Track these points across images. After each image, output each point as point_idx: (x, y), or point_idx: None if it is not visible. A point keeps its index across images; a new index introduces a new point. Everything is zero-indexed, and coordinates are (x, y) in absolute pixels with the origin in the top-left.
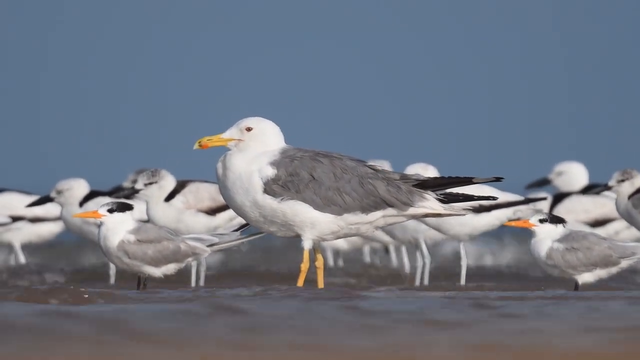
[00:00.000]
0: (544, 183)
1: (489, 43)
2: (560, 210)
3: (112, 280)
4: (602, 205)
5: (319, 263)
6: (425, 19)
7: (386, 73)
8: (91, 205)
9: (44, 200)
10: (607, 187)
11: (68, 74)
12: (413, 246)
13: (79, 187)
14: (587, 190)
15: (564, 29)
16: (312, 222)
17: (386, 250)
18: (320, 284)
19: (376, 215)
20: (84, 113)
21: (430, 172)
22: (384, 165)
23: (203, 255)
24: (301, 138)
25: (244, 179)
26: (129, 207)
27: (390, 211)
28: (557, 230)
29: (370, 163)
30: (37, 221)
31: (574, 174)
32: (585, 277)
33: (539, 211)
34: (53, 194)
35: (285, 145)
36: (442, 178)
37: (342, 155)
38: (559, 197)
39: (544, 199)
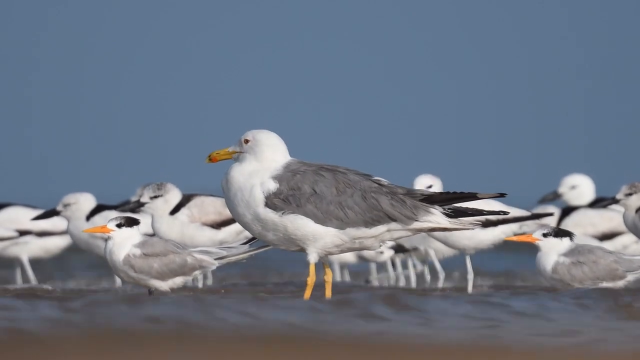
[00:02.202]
0: (555, 197)
1: (496, 52)
2: (568, 224)
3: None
4: (610, 219)
5: (328, 277)
6: (434, 28)
7: (395, 85)
8: (98, 219)
9: (50, 213)
10: (615, 201)
11: (65, 76)
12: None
13: (86, 201)
14: (595, 203)
15: (568, 43)
16: (314, 236)
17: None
18: (328, 294)
19: (380, 230)
20: (82, 117)
21: (437, 183)
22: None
23: (210, 268)
24: (306, 145)
25: (245, 192)
26: (137, 222)
27: (394, 225)
28: (563, 244)
29: (376, 178)
30: (44, 235)
31: (584, 187)
32: None
33: (544, 226)
34: (59, 208)
35: (290, 158)
36: (447, 193)
37: (347, 169)
38: (567, 211)
39: (551, 214)
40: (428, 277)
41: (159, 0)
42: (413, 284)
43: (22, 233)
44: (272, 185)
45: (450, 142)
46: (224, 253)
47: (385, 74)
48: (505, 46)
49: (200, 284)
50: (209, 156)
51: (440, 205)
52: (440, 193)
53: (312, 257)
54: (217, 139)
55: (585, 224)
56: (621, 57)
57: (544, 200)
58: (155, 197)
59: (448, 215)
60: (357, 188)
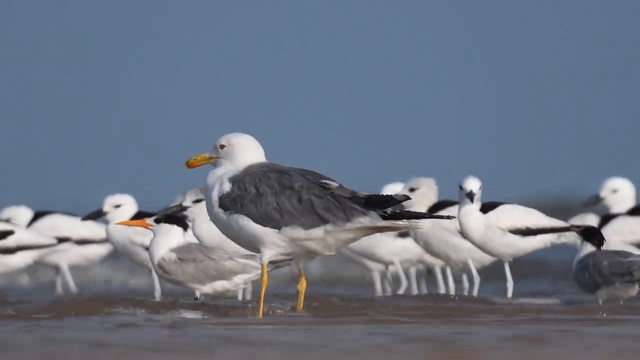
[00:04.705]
0: (596, 201)
1: (497, 53)
2: (607, 232)
3: (158, 299)
4: None
5: (301, 286)
6: (434, 28)
7: (395, 85)
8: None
9: (97, 214)
10: None
11: (65, 76)
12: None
13: (130, 204)
14: (635, 211)
15: (568, 44)
16: (255, 236)
17: (429, 272)
18: (300, 306)
19: (317, 233)
20: (82, 117)
21: (431, 185)
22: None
23: (256, 273)
24: (307, 145)
25: (208, 194)
26: (179, 222)
27: (330, 227)
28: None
29: (325, 180)
30: (83, 243)
31: (625, 191)
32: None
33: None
34: (107, 208)
35: (258, 161)
36: (382, 196)
37: (301, 171)
38: (606, 219)
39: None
40: (466, 284)
41: (159, 0)
42: (452, 291)
43: (62, 240)
44: (227, 187)
45: (449, 143)
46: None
47: (385, 74)
48: (506, 47)
49: (240, 297)
50: (187, 162)
51: (380, 207)
52: (378, 195)
53: (265, 257)
54: (217, 139)
55: (625, 232)
56: (622, 57)
57: (587, 205)
58: (198, 201)
59: (384, 218)
60: (295, 189)
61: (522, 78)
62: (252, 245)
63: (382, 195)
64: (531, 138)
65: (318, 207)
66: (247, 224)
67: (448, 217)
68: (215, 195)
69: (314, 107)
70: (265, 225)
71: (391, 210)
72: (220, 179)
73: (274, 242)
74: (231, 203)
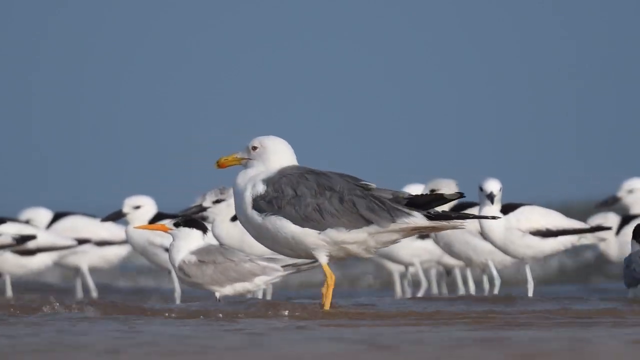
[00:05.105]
0: (613, 202)
1: (497, 53)
2: (627, 232)
3: (178, 301)
4: None
5: (330, 284)
6: (435, 29)
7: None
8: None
9: (117, 215)
10: None
11: (65, 76)
12: (481, 269)
13: (150, 206)
14: None
15: (569, 44)
16: (293, 237)
17: (448, 273)
18: (327, 304)
19: (360, 233)
20: (82, 118)
21: (452, 187)
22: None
23: (276, 275)
24: (308, 147)
25: (240, 196)
26: (199, 225)
27: (373, 228)
28: None
29: (364, 182)
30: (103, 244)
31: None
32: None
33: (602, 239)
34: (126, 209)
35: (290, 164)
36: (426, 195)
37: (336, 173)
38: (627, 219)
39: (609, 228)
40: (487, 285)
41: (159, 0)
42: (472, 292)
43: (81, 242)
44: (261, 188)
45: (450, 143)
46: (293, 261)
47: (386, 75)
48: (507, 47)
49: (259, 296)
50: (217, 162)
51: (424, 208)
52: (422, 195)
53: (322, 258)
54: (218, 140)
55: None
56: (622, 57)
57: (603, 205)
58: (218, 201)
59: (430, 218)
60: (336, 190)
61: (523, 78)
62: (289, 247)
63: (430, 194)
64: (531, 138)
65: (361, 208)
66: (286, 225)
67: (493, 217)
68: (249, 197)
69: (315, 108)
70: (304, 227)
71: (435, 211)
72: (253, 181)
73: (315, 243)
74: (267, 205)
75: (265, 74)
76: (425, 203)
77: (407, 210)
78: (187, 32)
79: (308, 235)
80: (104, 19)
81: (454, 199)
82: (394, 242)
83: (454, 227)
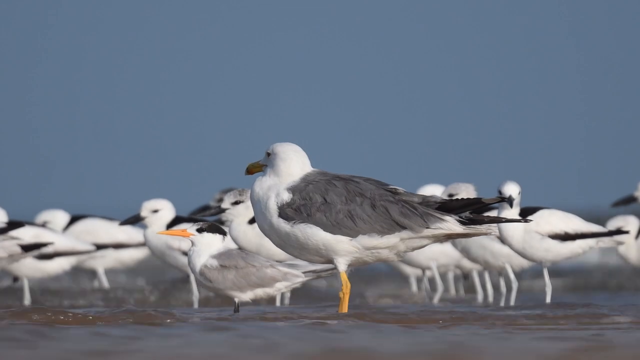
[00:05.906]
0: (630, 201)
1: (510, 55)
2: None
3: (196, 305)
4: None
5: (346, 289)
6: (446, 30)
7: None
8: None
9: (135, 219)
10: None
11: (66, 76)
12: (497, 272)
13: (169, 209)
14: None
15: (570, 43)
16: (324, 244)
17: (465, 277)
18: (344, 308)
19: (393, 240)
20: (83, 118)
21: (470, 190)
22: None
23: (296, 281)
24: (314, 149)
25: (262, 203)
26: (220, 230)
27: (406, 234)
28: None
29: (392, 186)
30: (120, 247)
31: None
32: None
33: (621, 243)
34: (144, 213)
35: (310, 169)
36: (458, 200)
37: (364, 178)
38: None
39: (628, 232)
40: (504, 289)
41: (159, 0)
42: (490, 297)
43: (99, 246)
44: (286, 196)
45: (461, 145)
46: (313, 267)
47: (395, 77)
48: (516, 50)
49: (277, 302)
50: (248, 169)
51: (455, 213)
52: (453, 199)
53: (341, 266)
54: (218, 141)
55: None
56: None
57: (617, 205)
58: (237, 202)
59: (462, 223)
60: (367, 196)
61: (535, 82)
62: (319, 254)
63: (466, 198)
64: (542, 143)
65: (395, 214)
66: (317, 233)
67: (526, 221)
68: (273, 205)
69: (326, 109)
70: (335, 234)
71: (466, 215)
72: (276, 189)
73: (347, 250)
74: (295, 213)
75: (268, 74)
76: (459, 207)
77: (439, 215)
78: (188, 32)
79: (340, 242)
80: (105, 19)
81: (492, 203)
82: (424, 247)
83: (486, 233)
